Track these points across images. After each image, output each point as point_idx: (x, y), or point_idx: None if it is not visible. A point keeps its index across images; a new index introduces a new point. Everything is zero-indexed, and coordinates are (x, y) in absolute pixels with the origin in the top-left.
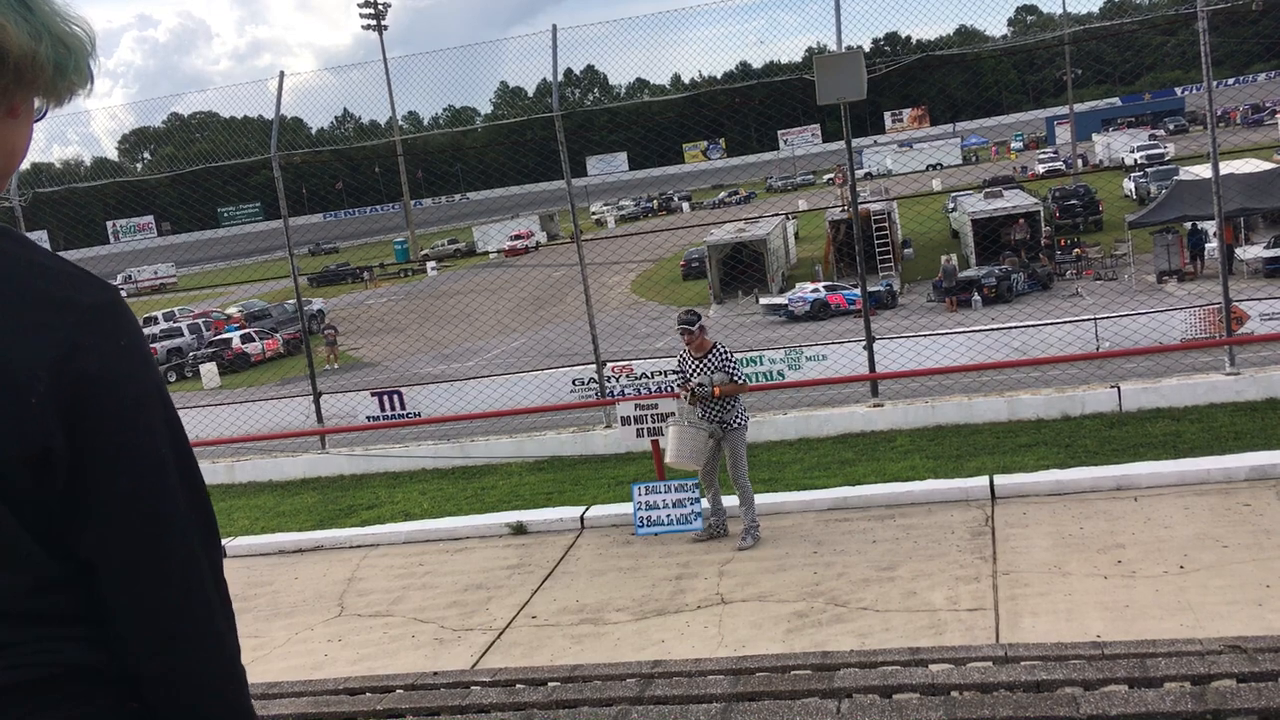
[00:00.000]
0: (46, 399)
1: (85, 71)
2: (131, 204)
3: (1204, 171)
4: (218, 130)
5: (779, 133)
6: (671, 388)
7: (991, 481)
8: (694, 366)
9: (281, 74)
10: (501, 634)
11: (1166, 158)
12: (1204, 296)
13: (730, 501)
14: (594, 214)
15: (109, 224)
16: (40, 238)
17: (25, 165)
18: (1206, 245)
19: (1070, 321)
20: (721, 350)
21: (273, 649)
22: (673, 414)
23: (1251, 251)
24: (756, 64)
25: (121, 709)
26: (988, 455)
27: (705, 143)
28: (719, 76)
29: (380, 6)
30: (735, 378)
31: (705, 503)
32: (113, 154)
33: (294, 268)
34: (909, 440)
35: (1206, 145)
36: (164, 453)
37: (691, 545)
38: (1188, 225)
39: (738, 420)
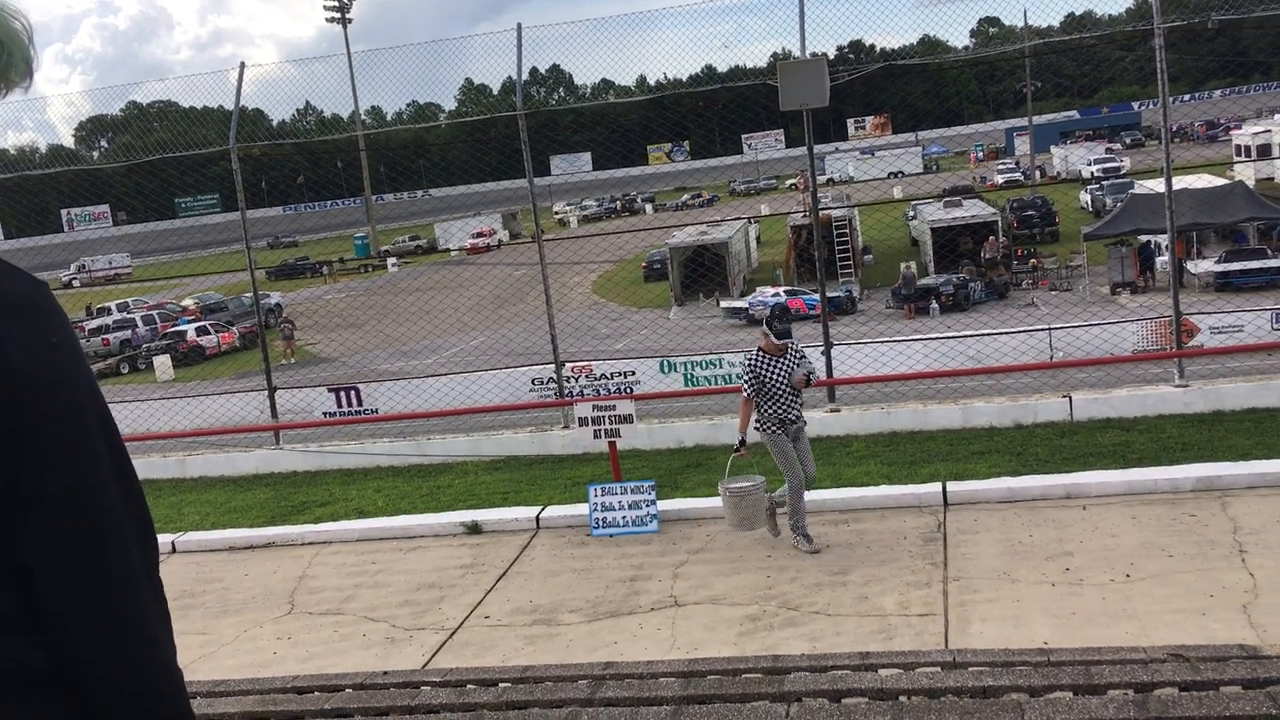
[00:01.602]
0: None
1: (20, 67)
2: (87, 192)
3: (1158, 186)
4: (177, 120)
5: (743, 137)
6: (627, 389)
7: (944, 488)
8: (770, 364)
9: (242, 65)
10: (454, 634)
11: (1122, 171)
12: (1155, 309)
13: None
14: (557, 213)
15: (64, 212)
16: None
17: None
18: (1157, 259)
19: (1025, 331)
20: (796, 345)
21: (221, 646)
22: (629, 417)
23: (1202, 266)
24: (722, 68)
25: (59, 710)
26: (941, 462)
27: (670, 145)
28: (684, 79)
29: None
30: (814, 370)
31: (805, 518)
32: (69, 141)
33: (250, 261)
34: (864, 446)
35: (1162, 160)
36: (99, 450)
37: (645, 547)
38: (1141, 238)
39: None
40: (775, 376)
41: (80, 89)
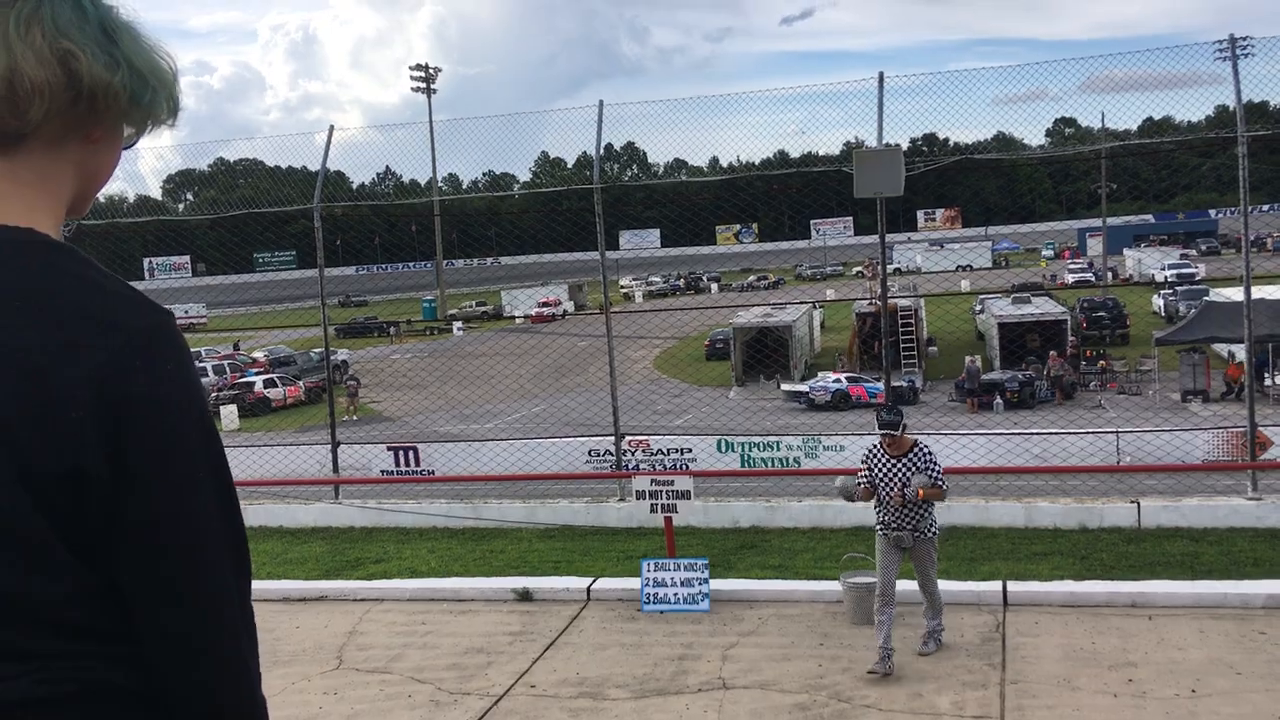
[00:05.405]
0: (88, 416)
1: (164, 104)
2: (170, 243)
3: (1234, 294)
4: (261, 178)
5: (812, 222)
6: (683, 465)
7: (1004, 587)
8: (887, 466)
9: (331, 128)
10: (499, 701)
11: (1197, 278)
12: (1229, 419)
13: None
14: (623, 287)
15: (146, 260)
16: None
17: None
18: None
19: (1092, 432)
20: (923, 450)
21: (268, 698)
22: (687, 493)
23: (1279, 377)
24: (794, 153)
25: None
26: (1002, 560)
27: (738, 226)
28: (756, 162)
29: (431, 71)
30: (938, 482)
31: (881, 634)
32: (156, 193)
33: (325, 317)
34: None
35: (1238, 268)
36: (202, 478)
37: (695, 626)
38: (1216, 347)
39: (932, 529)
40: (887, 478)
41: (171, 144)
